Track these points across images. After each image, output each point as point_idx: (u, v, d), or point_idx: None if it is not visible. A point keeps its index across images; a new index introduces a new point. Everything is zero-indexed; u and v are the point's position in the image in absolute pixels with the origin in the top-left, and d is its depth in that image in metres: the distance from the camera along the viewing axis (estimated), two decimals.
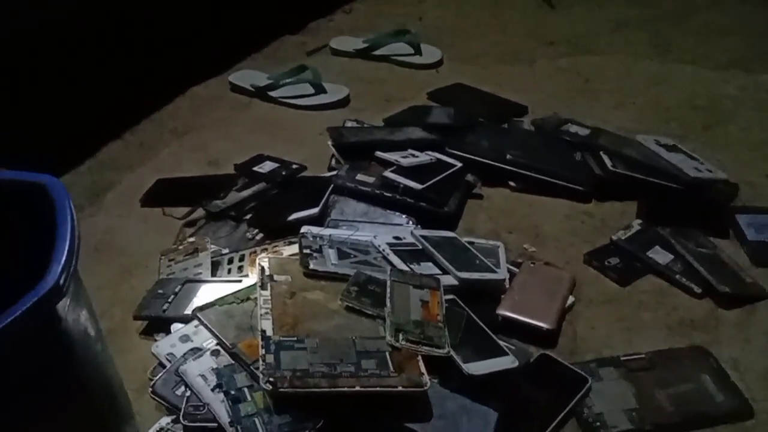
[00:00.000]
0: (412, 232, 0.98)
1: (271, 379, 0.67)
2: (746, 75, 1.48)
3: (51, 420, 0.60)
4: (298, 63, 1.51)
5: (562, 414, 0.75)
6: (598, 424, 0.75)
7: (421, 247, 0.95)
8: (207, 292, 0.89)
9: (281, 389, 0.67)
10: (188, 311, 0.86)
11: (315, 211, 1.04)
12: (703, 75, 1.50)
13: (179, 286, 0.92)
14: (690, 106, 1.39)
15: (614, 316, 0.91)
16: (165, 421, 0.76)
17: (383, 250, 0.93)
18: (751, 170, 1.17)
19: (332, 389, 0.68)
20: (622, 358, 0.83)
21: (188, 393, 0.72)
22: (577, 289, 0.94)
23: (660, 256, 0.97)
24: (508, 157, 1.15)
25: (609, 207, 1.11)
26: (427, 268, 0.91)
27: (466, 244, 0.98)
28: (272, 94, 1.46)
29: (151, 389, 0.75)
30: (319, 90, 1.45)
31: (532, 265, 0.97)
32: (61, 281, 0.53)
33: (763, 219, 1.04)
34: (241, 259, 0.98)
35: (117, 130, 1.38)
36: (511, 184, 1.16)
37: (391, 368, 0.72)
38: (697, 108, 1.38)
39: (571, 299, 0.92)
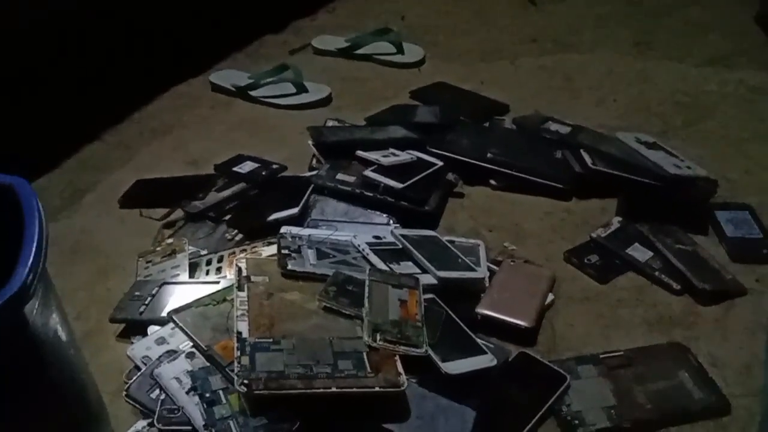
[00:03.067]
0: (392, 232, 0.98)
1: (245, 381, 0.67)
2: (727, 71, 1.48)
3: (22, 425, 0.60)
4: (279, 62, 1.50)
5: (541, 412, 0.75)
6: (576, 422, 0.75)
7: (401, 246, 0.95)
8: (184, 294, 0.88)
9: (256, 391, 0.66)
10: (165, 313, 0.85)
11: (295, 211, 1.03)
12: (684, 72, 1.50)
13: (156, 288, 0.91)
14: (671, 103, 1.39)
15: (593, 313, 0.91)
16: (141, 424, 0.75)
17: (363, 250, 0.93)
18: (731, 166, 1.18)
19: (308, 390, 0.67)
20: (600, 356, 0.83)
21: (163, 396, 0.71)
22: (556, 286, 0.94)
23: (639, 253, 0.98)
24: (489, 155, 1.15)
25: (589, 204, 1.11)
26: (407, 267, 0.91)
27: (447, 243, 0.98)
28: (253, 93, 1.45)
29: (125, 392, 0.74)
30: (301, 89, 1.44)
31: (512, 263, 0.97)
32: (28, 283, 0.52)
33: (742, 215, 1.05)
34: (220, 260, 0.98)
35: (95, 130, 1.37)
36: (492, 182, 1.15)
37: (368, 368, 0.71)
38: (678, 104, 1.38)
39: (550, 297, 0.92)
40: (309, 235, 0.94)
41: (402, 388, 0.70)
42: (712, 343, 0.85)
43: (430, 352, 0.76)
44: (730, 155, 1.22)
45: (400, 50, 1.59)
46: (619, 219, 1.04)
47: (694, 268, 0.94)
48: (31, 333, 0.57)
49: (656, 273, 0.94)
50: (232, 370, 0.69)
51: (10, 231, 0.58)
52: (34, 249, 0.56)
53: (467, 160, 1.15)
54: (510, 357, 0.82)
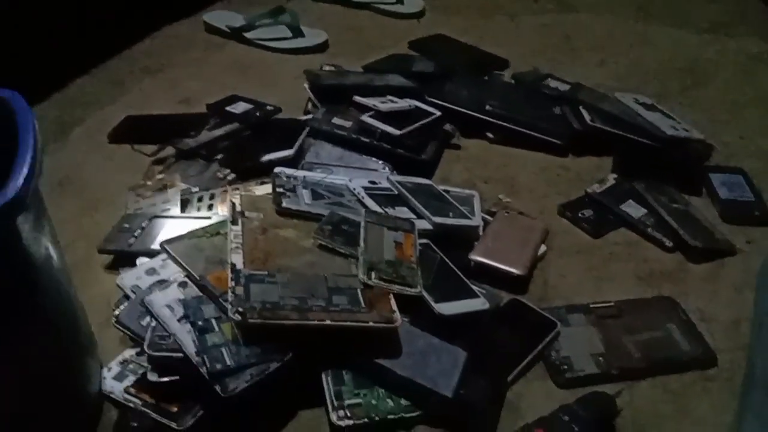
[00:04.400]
0: (388, 177, 0.96)
1: (240, 310, 0.66)
2: (725, 39, 1.48)
3: (14, 347, 0.59)
4: (276, 5, 1.47)
5: (531, 356, 0.76)
6: (565, 367, 0.75)
7: (396, 192, 0.94)
8: (175, 228, 0.87)
9: (250, 320, 0.65)
10: (155, 246, 0.84)
11: (290, 152, 1.02)
12: (684, 38, 1.50)
13: (146, 221, 0.90)
14: (670, 68, 1.38)
15: (585, 265, 0.91)
16: (129, 353, 0.75)
17: (358, 193, 0.92)
18: (727, 131, 1.18)
19: (302, 322, 0.67)
20: (591, 305, 0.83)
21: (153, 323, 0.70)
22: (549, 239, 0.94)
23: (633, 209, 0.98)
24: (487, 107, 1.14)
25: (585, 161, 1.11)
26: (402, 212, 0.90)
27: (442, 192, 0.97)
28: (248, 35, 1.42)
29: (115, 318, 0.73)
30: (297, 33, 1.41)
31: (506, 214, 0.96)
32: (22, 192, 0.51)
33: (736, 178, 1.05)
34: (211, 197, 0.96)
35: (86, 65, 1.33)
36: (489, 135, 1.15)
37: (363, 304, 0.71)
38: (676, 69, 1.38)
39: (543, 248, 0.92)
40: (304, 176, 0.93)
41: (395, 325, 0.70)
42: (701, 299, 0.86)
43: (424, 292, 0.76)
44: (726, 120, 1.22)
45: (400, 0, 1.56)
46: (615, 176, 1.04)
47: (687, 226, 0.94)
48: (23, 248, 0.56)
49: (649, 229, 0.95)
50: (226, 300, 0.68)
51: (3, 146, 0.56)
52: (29, 160, 0.54)
53: (465, 111, 1.14)
54: (502, 303, 0.83)
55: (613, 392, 0.72)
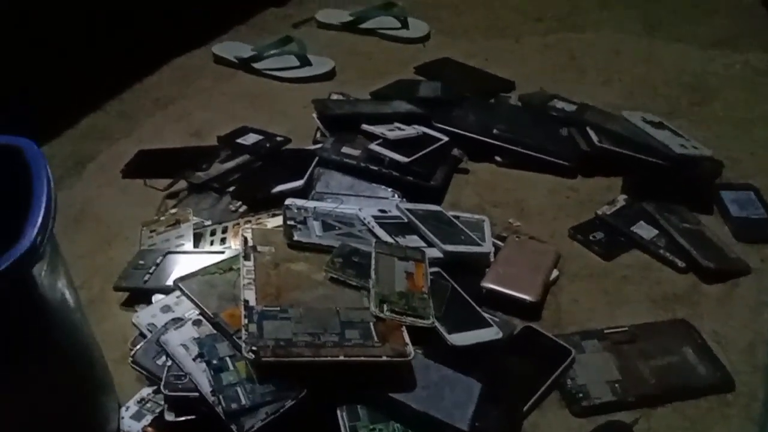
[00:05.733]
0: (397, 205, 0.97)
1: (253, 348, 0.66)
2: (732, 54, 1.48)
3: (30, 388, 0.59)
4: (283, 35, 1.48)
5: (546, 385, 0.76)
6: (581, 395, 0.75)
7: (406, 220, 0.95)
8: (189, 264, 0.88)
9: (264, 359, 0.66)
10: (170, 282, 0.84)
11: (300, 183, 1.02)
12: (691, 53, 1.49)
13: (161, 257, 0.91)
14: (677, 84, 1.38)
15: (598, 289, 0.91)
16: (146, 391, 0.75)
17: (368, 223, 0.92)
18: (736, 147, 1.17)
19: (316, 359, 0.67)
20: (605, 331, 0.83)
21: (169, 362, 0.71)
22: (561, 263, 0.94)
23: (644, 230, 0.98)
24: (495, 131, 1.14)
25: (594, 183, 1.11)
26: (413, 241, 0.91)
27: (452, 218, 0.98)
28: (256, 65, 1.44)
29: (131, 358, 0.73)
30: (304, 62, 1.43)
31: (517, 239, 0.96)
32: (37, 243, 0.52)
33: (747, 195, 1.05)
34: (224, 231, 0.97)
35: (98, 100, 1.36)
36: (498, 159, 1.15)
37: (375, 338, 0.71)
38: (683, 85, 1.38)
39: (555, 273, 0.92)
40: (314, 207, 0.93)
41: (409, 358, 0.70)
42: (716, 321, 0.86)
43: (437, 323, 0.76)
44: (736, 137, 1.21)
45: (405, 25, 1.58)
46: (625, 197, 1.04)
47: (699, 246, 0.94)
48: (39, 295, 0.57)
49: (661, 251, 0.94)
50: (240, 338, 0.69)
51: (19, 194, 0.57)
52: (43, 209, 0.55)
53: (473, 135, 1.14)
54: (515, 331, 0.82)
55: (630, 420, 0.72)
